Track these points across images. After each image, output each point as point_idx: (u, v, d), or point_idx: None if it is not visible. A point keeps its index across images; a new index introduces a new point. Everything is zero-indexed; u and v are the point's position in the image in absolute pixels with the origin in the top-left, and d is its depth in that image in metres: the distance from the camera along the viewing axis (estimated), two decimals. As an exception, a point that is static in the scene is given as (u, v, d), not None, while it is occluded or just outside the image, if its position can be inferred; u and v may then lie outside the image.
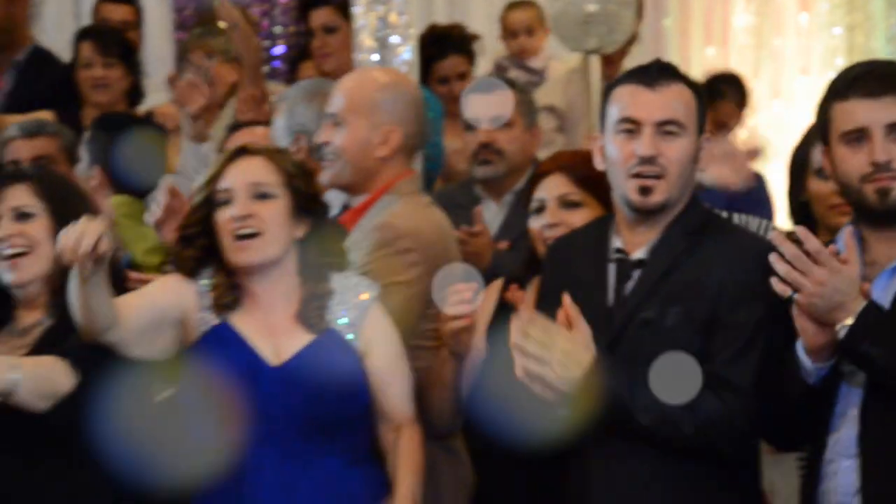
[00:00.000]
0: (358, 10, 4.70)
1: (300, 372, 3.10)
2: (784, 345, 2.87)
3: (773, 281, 2.75)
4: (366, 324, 3.23)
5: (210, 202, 3.22)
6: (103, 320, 3.02)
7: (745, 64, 7.07)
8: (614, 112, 3.04)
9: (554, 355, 2.87)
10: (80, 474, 3.22)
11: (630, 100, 3.03)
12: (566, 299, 2.93)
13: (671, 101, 3.02)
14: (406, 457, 3.21)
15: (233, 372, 3.11)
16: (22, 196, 3.36)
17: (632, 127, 3.01)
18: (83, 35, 5.59)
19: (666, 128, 3.00)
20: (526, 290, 3.33)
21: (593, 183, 3.31)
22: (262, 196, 3.20)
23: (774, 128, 6.14)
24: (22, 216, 3.34)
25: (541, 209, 3.38)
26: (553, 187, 3.37)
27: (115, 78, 5.45)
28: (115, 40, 5.57)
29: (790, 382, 2.84)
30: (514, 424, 3.05)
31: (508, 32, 6.33)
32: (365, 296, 3.26)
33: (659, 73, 3.05)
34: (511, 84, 4.64)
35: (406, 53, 4.71)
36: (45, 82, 5.62)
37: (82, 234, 2.92)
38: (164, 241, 3.62)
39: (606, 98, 3.09)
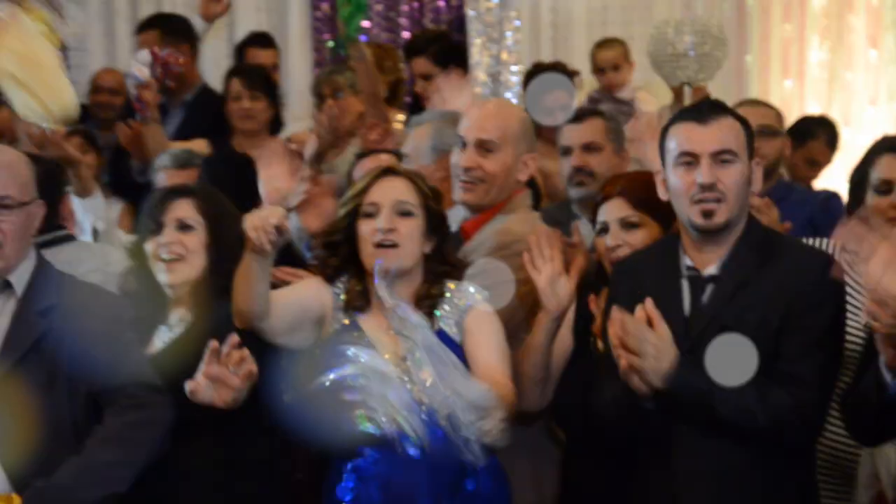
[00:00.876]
0: (473, 48, 4.93)
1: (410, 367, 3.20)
2: (868, 358, 3.04)
3: (878, 336, 2.90)
4: (468, 317, 3.37)
5: (354, 213, 3.41)
6: (260, 307, 3.21)
7: (819, 95, 7.13)
8: (673, 147, 3.18)
9: (648, 349, 3.00)
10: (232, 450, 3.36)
11: (686, 136, 3.16)
12: (648, 302, 3.04)
13: (723, 133, 3.15)
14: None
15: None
16: (186, 209, 3.50)
17: (690, 159, 3.14)
18: (233, 72, 5.92)
19: (721, 157, 3.14)
20: (599, 296, 3.48)
21: (650, 205, 3.43)
22: (404, 213, 3.38)
23: (845, 153, 5.97)
24: (183, 227, 3.49)
25: (604, 230, 3.52)
26: (614, 210, 3.51)
27: (259, 109, 5.71)
28: (259, 76, 5.84)
29: (872, 391, 2.99)
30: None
31: (597, 68, 6.48)
32: (465, 298, 3.41)
33: (709, 109, 3.20)
34: (600, 114, 4.70)
35: (515, 87, 4.91)
36: (208, 116, 5.89)
37: (269, 214, 3.16)
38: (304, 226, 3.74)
39: (664, 136, 3.22)
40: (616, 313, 3.02)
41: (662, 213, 3.40)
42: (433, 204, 3.44)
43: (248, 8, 7.38)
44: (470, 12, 5.05)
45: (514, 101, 4.99)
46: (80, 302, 3.25)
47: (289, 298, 3.35)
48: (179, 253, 3.47)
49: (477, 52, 5.04)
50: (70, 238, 4.14)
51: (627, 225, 3.50)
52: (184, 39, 6.20)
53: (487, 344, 3.35)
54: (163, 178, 4.68)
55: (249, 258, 3.18)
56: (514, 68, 5.04)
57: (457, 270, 3.48)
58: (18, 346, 3.16)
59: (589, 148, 4.49)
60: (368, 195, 3.40)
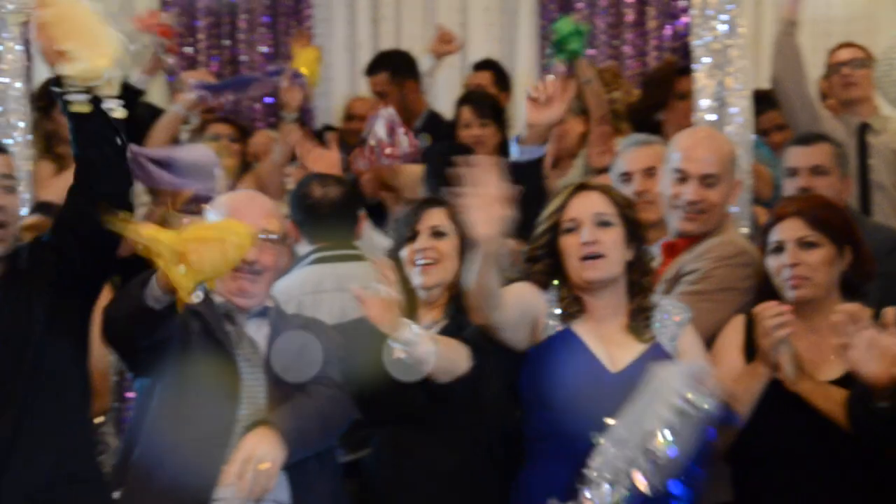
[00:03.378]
0: (699, 74, 4.82)
1: (635, 379, 3.26)
2: None
3: None
4: (681, 336, 3.44)
5: (555, 228, 3.47)
6: (493, 300, 3.26)
7: None
8: None
9: None
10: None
11: None
12: None
13: None
14: None
15: (577, 373, 3.34)
16: (440, 217, 3.67)
17: None
18: (463, 100, 6.03)
19: None
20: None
21: (826, 225, 3.49)
22: (604, 224, 3.43)
23: None
24: (437, 234, 3.66)
25: (779, 249, 3.53)
26: (791, 230, 3.52)
27: (488, 135, 5.77)
28: (488, 104, 5.95)
29: None
30: None
31: (820, 93, 6.30)
32: (679, 315, 3.47)
33: None
34: (828, 139, 4.69)
35: (740, 113, 4.74)
36: (435, 137, 5.91)
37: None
38: None
39: None
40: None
41: (836, 234, 3.48)
42: (629, 212, 3.47)
43: (480, 38, 7.49)
44: (696, 40, 4.87)
45: (739, 128, 4.82)
46: (316, 322, 3.57)
47: (514, 296, 3.39)
48: (434, 258, 3.59)
49: (702, 78, 4.82)
50: (358, 258, 4.29)
51: (805, 244, 3.49)
52: (410, 76, 6.39)
53: None
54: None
55: (479, 255, 3.19)
56: (738, 94, 4.75)
57: (653, 281, 3.52)
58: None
59: (817, 171, 4.49)
60: (567, 211, 3.45)
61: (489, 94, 6.30)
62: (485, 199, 3.08)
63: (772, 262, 3.54)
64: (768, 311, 3.36)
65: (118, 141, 3.15)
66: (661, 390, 3.10)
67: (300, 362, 3.27)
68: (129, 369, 3.54)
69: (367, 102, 6.69)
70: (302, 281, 4.18)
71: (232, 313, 3.42)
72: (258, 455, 3.14)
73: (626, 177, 4.28)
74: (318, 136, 6.31)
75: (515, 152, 3.90)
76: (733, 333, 3.54)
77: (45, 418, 3.16)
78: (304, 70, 5.89)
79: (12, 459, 3.12)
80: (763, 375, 3.41)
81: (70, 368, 3.26)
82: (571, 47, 5.47)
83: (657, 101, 6.01)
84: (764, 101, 5.62)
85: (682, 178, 3.88)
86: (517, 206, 3.70)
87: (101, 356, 3.81)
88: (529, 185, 3.83)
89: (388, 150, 5.29)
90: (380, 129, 5.32)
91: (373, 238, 4.76)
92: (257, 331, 3.44)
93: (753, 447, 3.43)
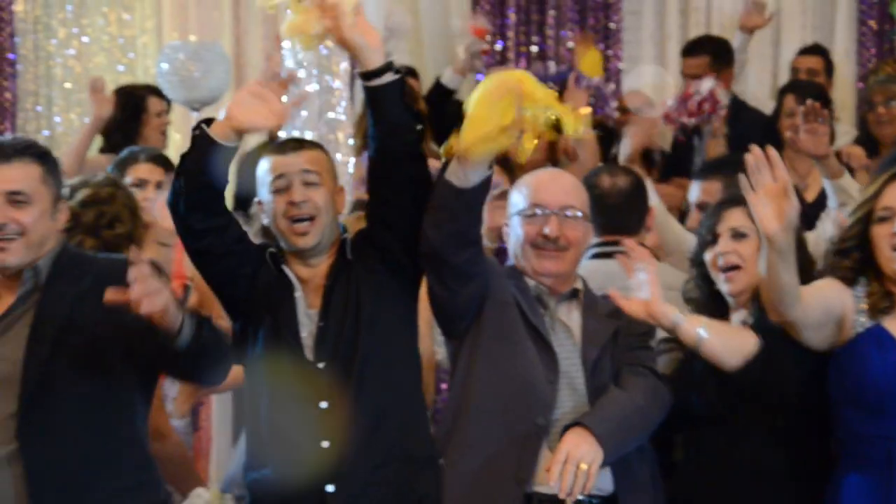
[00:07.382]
0: None
1: None
2: None
3: None
4: None
5: (867, 218, 3.27)
6: (788, 297, 3.12)
7: None
8: None
9: None
10: None
11: None
12: None
13: None
14: None
15: (889, 372, 3.17)
16: (740, 218, 3.46)
17: None
18: (787, 88, 5.81)
19: None
20: None
21: None
22: None
23: None
24: (736, 235, 3.46)
25: None
26: None
27: None
28: (813, 93, 5.56)
29: None
30: None
31: None
32: None
33: None
34: None
35: None
36: (741, 126, 5.81)
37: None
38: None
39: None
40: None
41: None
42: None
43: (794, 25, 7.20)
44: None
45: None
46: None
47: (815, 294, 3.23)
48: (736, 262, 3.44)
49: None
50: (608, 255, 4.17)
51: None
52: (727, 64, 6.26)
53: None
54: (695, 189, 4.60)
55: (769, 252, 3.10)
56: None
57: None
58: (599, 338, 3.35)
59: None
60: (881, 199, 3.25)
61: (815, 82, 6.07)
62: (770, 192, 3.00)
63: None
64: None
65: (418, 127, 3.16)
66: None
67: None
68: (441, 325, 3.46)
69: (640, 97, 6.46)
70: None
71: (543, 297, 3.38)
72: (577, 456, 3.12)
73: None
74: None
75: None
76: None
77: (383, 397, 3.21)
78: (587, 72, 5.87)
79: (351, 436, 3.17)
80: None
81: (402, 351, 3.30)
82: None
83: None
84: None
85: None
86: None
87: (427, 348, 3.82)
88: None
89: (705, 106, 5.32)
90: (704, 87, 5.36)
91: (668, 221, 4.62)
92: (568, 315, 3.39)
93: None
